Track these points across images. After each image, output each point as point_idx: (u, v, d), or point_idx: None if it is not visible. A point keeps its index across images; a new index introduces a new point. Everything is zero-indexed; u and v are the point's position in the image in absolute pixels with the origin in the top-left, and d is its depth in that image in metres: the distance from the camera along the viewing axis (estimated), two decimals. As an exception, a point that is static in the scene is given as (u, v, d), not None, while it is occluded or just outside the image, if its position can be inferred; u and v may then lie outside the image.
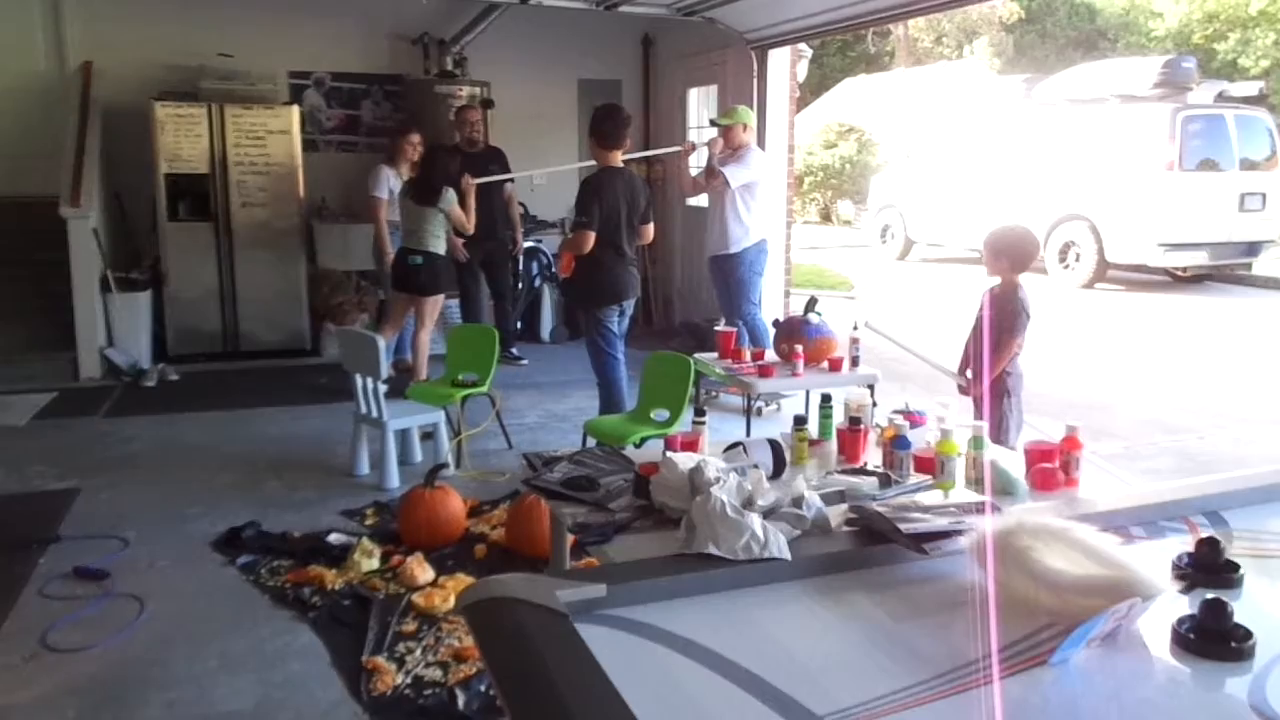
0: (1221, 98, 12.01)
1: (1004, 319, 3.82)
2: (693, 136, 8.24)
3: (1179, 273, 12.23)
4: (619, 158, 4.92)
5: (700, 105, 8.50)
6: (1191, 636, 1.56)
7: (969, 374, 3.99)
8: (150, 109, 7.07)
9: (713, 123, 6.48)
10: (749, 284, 6.08)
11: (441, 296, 6.12)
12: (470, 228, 6.15)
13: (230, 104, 7.24)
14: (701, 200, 8.37)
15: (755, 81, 7.07)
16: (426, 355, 6.06)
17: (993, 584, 1.70)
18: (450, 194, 5.92)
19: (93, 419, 5.98)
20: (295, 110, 7.52)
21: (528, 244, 8.03)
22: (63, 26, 7.65)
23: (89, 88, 7.28)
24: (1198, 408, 6.62)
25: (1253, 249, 11.83)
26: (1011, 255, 3.85)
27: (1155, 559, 1.78)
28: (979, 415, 3.72)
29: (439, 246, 5.96)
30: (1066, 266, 12.01)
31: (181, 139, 7.15)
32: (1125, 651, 1.57)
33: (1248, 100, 12.22)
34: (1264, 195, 11.65)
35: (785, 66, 7.29)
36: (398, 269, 6.08)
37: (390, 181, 6.65)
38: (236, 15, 7.74)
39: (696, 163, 6.75)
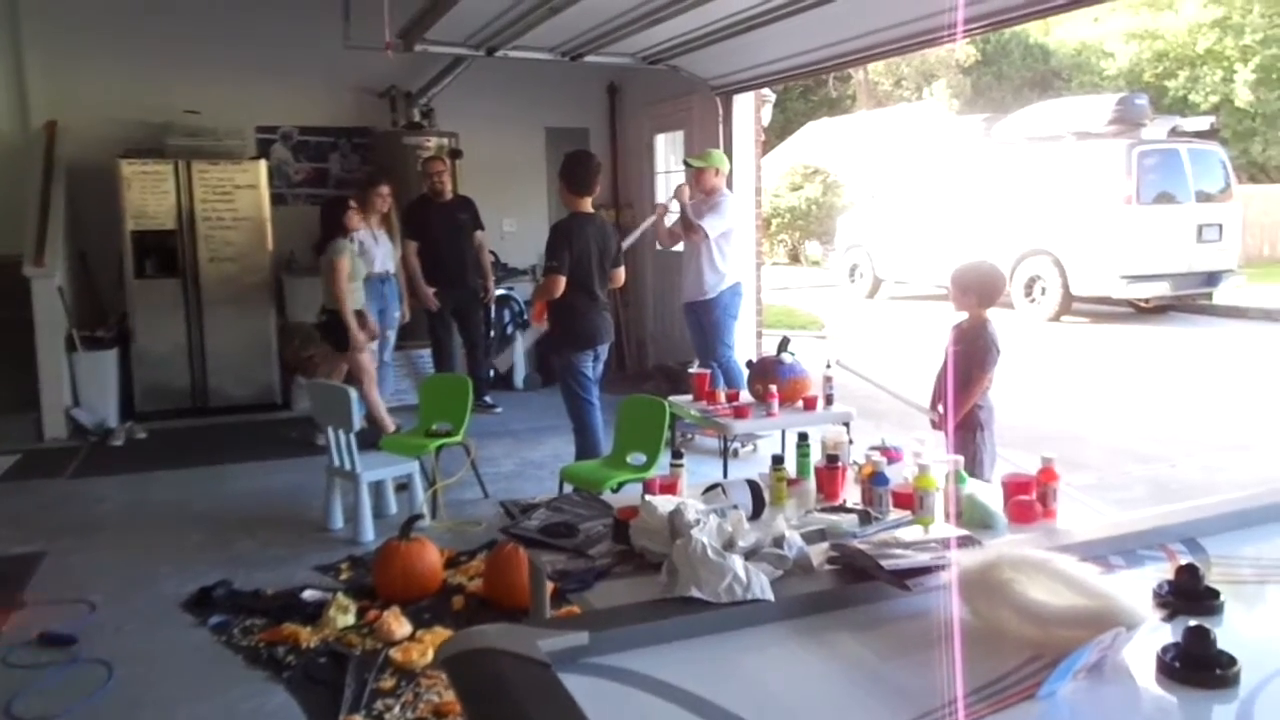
0: (1175, 133, 12.32)
1: (974, 354, 3.86)
2: (660, 196, 8.34)
3: (1142, 304, 12.44)
4: (589, 203, 4.95)
5: (668, 151, 8.59)
6: (1177, 665, 1.55)
7: (940, 409, 4.02)
8: (116, 166, 7.05)
9: (686, 163, 6.53)
10: (723, 327, 6.10)
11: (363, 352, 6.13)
12: (340, 302, 5.98)
13: (197, 160, 7.23)
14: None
15: (721, 126, 7.17)
16: (381, 408, 6.11)
17: (971, 619, 1.70)
18: (333, 246, 6.01)
19: (58, 480, 5.87)
20: (263, 165, 7.52)
21: (499, 292, 8.03)
22: (26, 85, 7.63)
23: (53, 146, 7.25)
24: (1167, 437, 6.69)
25: (1213, 279, 12.06)
26: (979, 290, 3.90)
27: (1136, 588, 1.78)
28: (950, 449, 3.74)
29: (336, 303, 6.02)
30: (1032, 300, 12.19)
31: (148, 196, 7.11)
32: (1112, 682, 1.56)
33: (1200, 134, 12.54)
34: (1220, 226, 11.92)
35: (750, 111, 7.40)
36: None
37: (360, 234, 6.65)
38: (203, 72, 7.75)
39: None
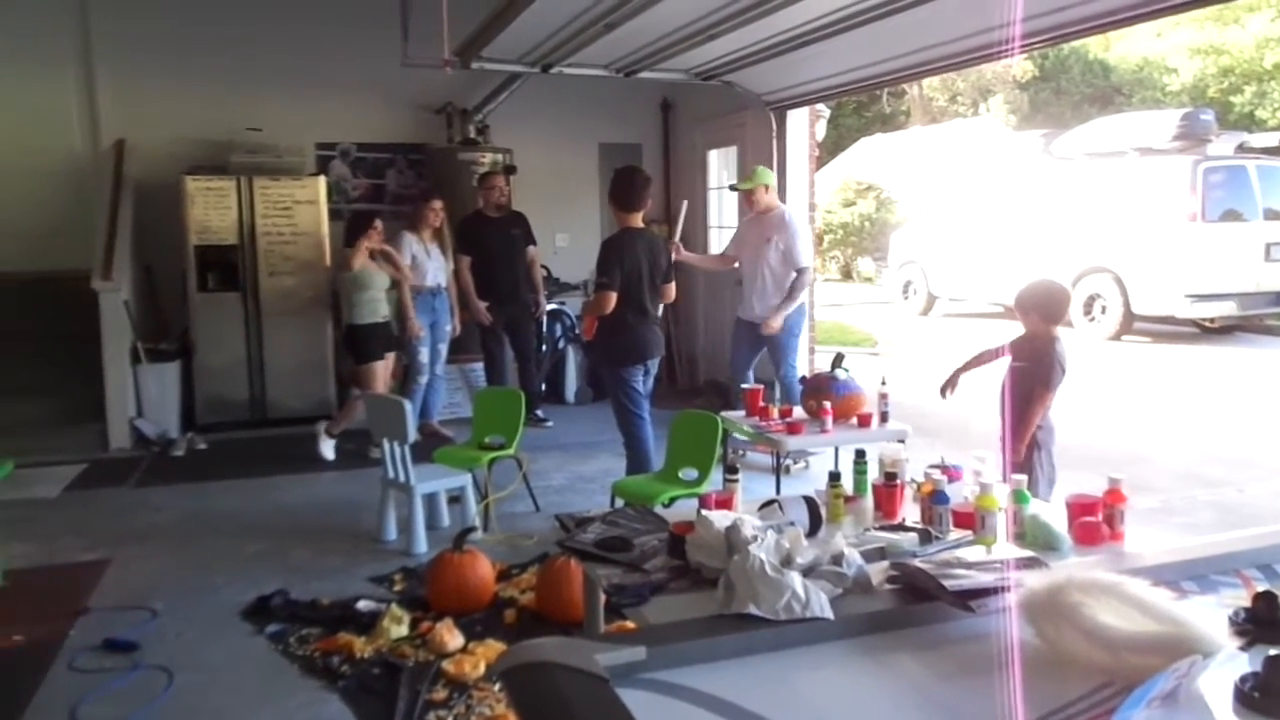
0: (1242, 149, 12.01)
1: (1039, 372, 3.78)
2: (713, 214, 8.42)
3: (1207, 324, 12.12)
4: (639, 219, 4.96)
5: (720, 166, 8.59)
6: (1256, 695, 1.50)
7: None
8: (181, 183, 7.22)
9: (733, 188, 6.52)
10: (788, 346, 6.13)
11: (373, 364, 6.35)
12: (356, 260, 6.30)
13: (259, 176, 7.39)
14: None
15: (775, 141, 7.15)
16: (349, 414, 6.57)
17: (1037, 642, 1.66)
18: (346, 250, 6.37)
19: (122, 489, 6.00)
20: (322, 181, 7.66)
21: (551, 306, 8.08)
22: (97, 106, 7.86)
23: (121, 164, 7.46)
24: (1234, 460, 6.50)
25: (1281, 299, 11.73)
26: (1043, 309, 3.83)
27: (1212, 614, 1.72)
28: (1008, 468, 3.66)
29: (350, 315, 6.37)
30: (1092, 319, 11.94)
31: (211, 211, 7.28)
32: (1187, 711, 1.51)
33: (1268, 151, 12.20)
34: (1290, 245, 11.59)
35: (804, 126, 7.37)
36: None
37: (413, 248, 6.74)
38: (265, 90, 7.94)
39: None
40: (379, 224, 6.44)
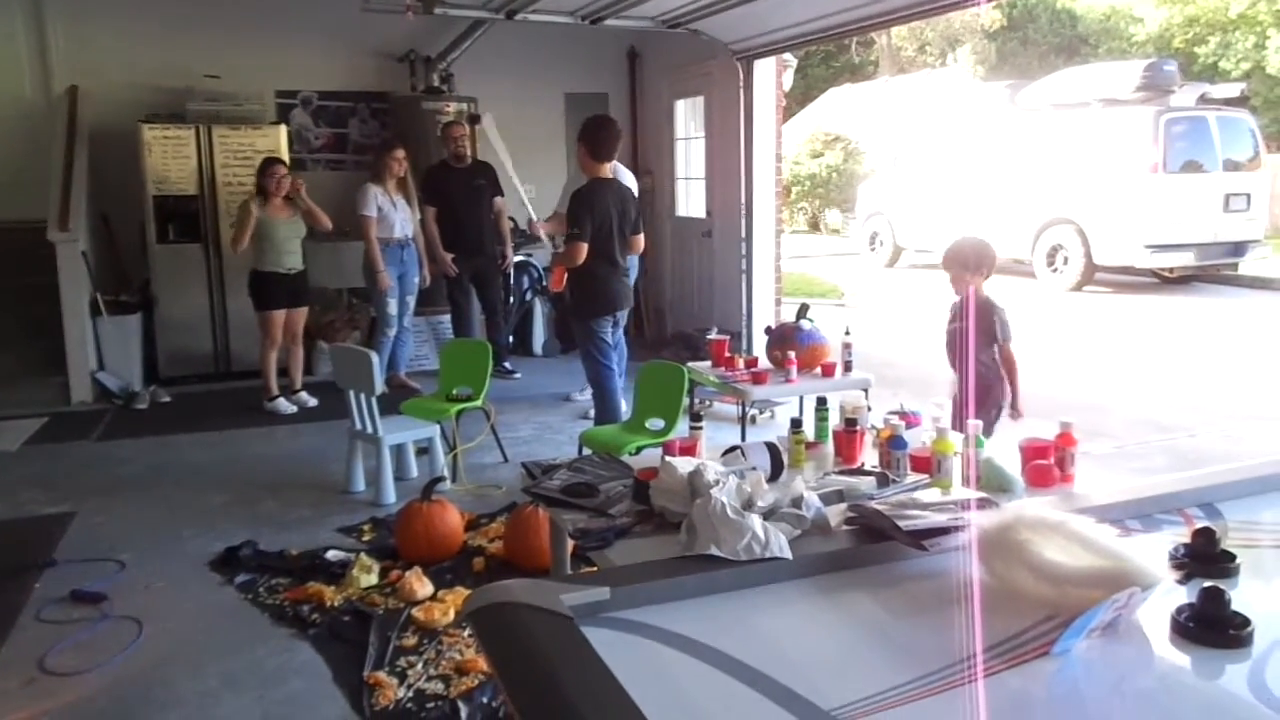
0: (1204, 100, 12.12)
1: (991, 330, 3.87)
2: (680, 165, 8.36)
3: (1166, 274, 12.31)
4: (608, 169, 4.94)
5: (688, 117, 8.54)
6: (1190, 625, 1.57)
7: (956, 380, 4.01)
8: (138, 131, 7.07)
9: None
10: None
11: (271, 313, 6.45)
12: (236, 244, 6.37)
13: (218, 125, 7.25)
14: (692, 210, 8.42)
15: (741, 91, 7.12)
16: (266, 368, 6.55)
17: (987, 578, 1.72)
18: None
19: (85, 443, 5.95)
20: (283, 130, 7.53)
21: (518, 258, 8.04)
22: (48, 52, 7.66)
23: (75, 111, 7.28)
24: (1188, 406, 6.66)
25: (1238, 249, 11.90)
26: (973, 267, 3.92)
27: (1152, 550, 1.79)
28: (967, 415, 3.74)
29: (253, 261, 6.43)
30: (1054, 269, 12.09)
31: (169, 161, 7.15)
32: (1126, 641, 1.58)
33: (1229, 102, 12.32)
34: (1248, 195, 11.75)
35: (771, 76, 7.34)
36: None
37: (378, 199, 6.67)
38: (223, 36, 7.75)
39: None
40: (281, 170, 6.41)
